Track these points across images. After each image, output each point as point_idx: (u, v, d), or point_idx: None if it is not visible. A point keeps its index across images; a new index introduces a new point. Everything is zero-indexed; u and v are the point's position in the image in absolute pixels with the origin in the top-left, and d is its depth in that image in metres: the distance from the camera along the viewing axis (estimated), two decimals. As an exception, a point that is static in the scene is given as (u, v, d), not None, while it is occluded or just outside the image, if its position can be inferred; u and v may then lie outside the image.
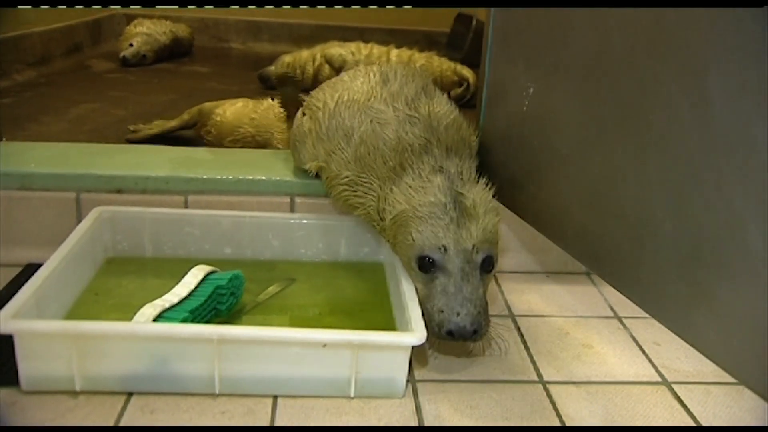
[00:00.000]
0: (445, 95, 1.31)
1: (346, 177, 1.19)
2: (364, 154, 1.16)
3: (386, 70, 1.30)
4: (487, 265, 1.05)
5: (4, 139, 1.67)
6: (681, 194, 0.86)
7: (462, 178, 1.10)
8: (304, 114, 1.35)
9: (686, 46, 0.84)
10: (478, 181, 1.13)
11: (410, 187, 1.09)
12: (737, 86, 0.78)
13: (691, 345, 0.88)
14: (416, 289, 1.08)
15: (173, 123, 2.10)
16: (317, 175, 1.30)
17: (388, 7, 3.88)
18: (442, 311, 1.00)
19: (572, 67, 1.08)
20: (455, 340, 1.01)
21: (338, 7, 3.82)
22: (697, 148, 0.83)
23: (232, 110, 1.96)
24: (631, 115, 0.94)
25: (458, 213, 1.04)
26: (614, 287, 1.03)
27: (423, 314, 1.03)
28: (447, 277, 1.02)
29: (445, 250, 1.02)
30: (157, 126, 2.11)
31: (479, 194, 1.08)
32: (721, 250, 0.81)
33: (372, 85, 1.26)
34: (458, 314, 0.99)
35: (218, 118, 1.96)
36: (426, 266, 1.03)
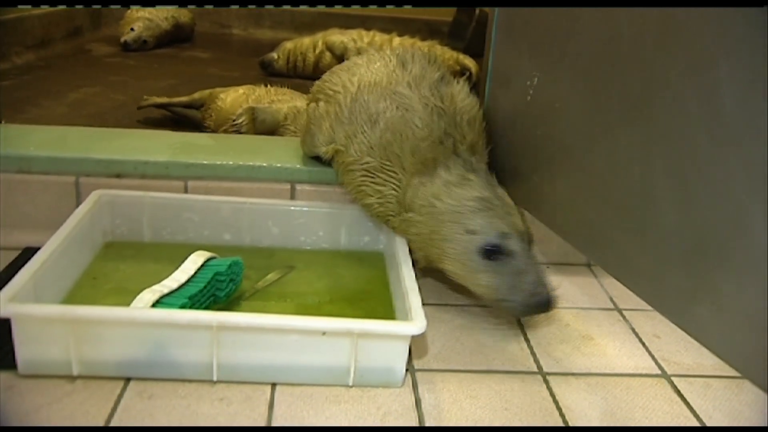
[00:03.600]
0: (465, 83, 1.30)
1: (367, 162, 1.18)
2: (390, 140, 1.15)
3: (402, 54, 1.29)
4: (533, 247, 1.13)
5: (3, 122, 1.66)
6: (686, 186, 0.86)
7: (489, 175, 1.17)
8: (316, 100, 1.34)
9: (695, 39, 0.83)
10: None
11: (450, 183, 1.12)
12: (745, 79, 0.77)
13: (693, 337, 0.87)
14: (479, 280, 1.09)
15: (183, 98, 2.12)
16: (328, 163, 1.29)
17: (388, 7, 3.90)
18: (527, 289, 1.07)
19: (578, 58, 1.07)
20: (543, 312, 1.09)
21: (338, 7, 3.83)
22: (704, 141, 0.82)
23: (231, 98, 1.93)
24: (637, 106, 0.93)
25: (502, 204, 1.11)
26: (616, 278, 1.03)
27: (499, 300, 1.09)
28: (516, 258, 1.08)
29: (507, 235, 1.07)
30: (166, 97, 2.17)
31: (502, 190, 1.16)
32: (725, 243, 0.81)
33: (391, 69, 1.25)
34: (543, 287, 1.08)
35: (219, 104, 1.93)
36: (492, 254, 1.07)
